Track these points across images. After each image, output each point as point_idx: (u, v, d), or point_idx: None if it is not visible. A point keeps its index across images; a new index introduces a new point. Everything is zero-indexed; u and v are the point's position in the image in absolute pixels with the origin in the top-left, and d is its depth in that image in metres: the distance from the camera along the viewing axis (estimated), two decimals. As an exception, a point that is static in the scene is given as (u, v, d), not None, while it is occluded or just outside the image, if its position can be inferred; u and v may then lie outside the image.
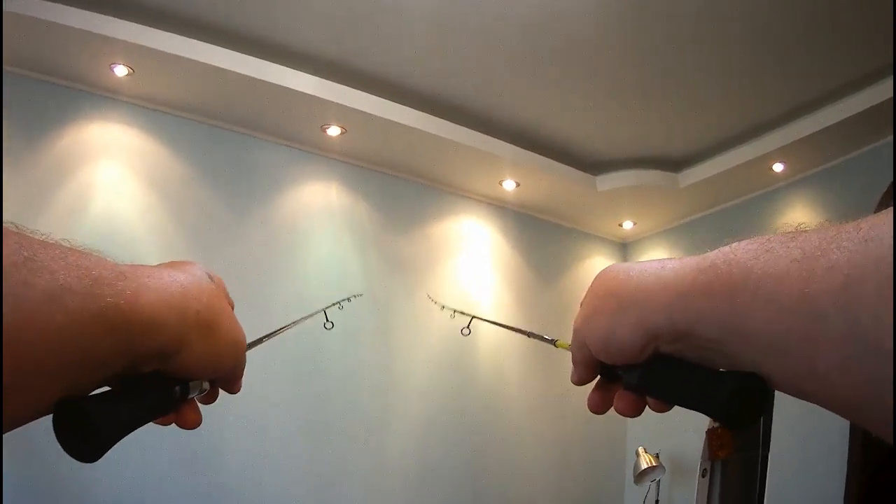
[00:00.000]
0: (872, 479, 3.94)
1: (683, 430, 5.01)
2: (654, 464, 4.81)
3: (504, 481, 5.05)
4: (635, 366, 0.54)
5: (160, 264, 0.55)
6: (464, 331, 2.14)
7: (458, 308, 2.57)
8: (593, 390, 0.63)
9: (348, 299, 2.62)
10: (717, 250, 0.46)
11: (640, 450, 4.94)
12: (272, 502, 4.05)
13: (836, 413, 0.40)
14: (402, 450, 4.61)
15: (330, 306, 2.11)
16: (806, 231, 0.41)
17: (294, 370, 4.20)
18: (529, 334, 1.24)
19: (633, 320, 0.52)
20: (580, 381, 0.64)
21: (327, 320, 2.06)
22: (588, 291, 0.61)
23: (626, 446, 5.77)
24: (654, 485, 5.03)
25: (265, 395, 4.00)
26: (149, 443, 3.56)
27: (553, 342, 1.00)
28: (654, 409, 0.57)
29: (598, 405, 0.63)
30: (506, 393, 5.21)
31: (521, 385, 5.31)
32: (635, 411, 0.58)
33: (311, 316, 1.86)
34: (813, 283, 0.37)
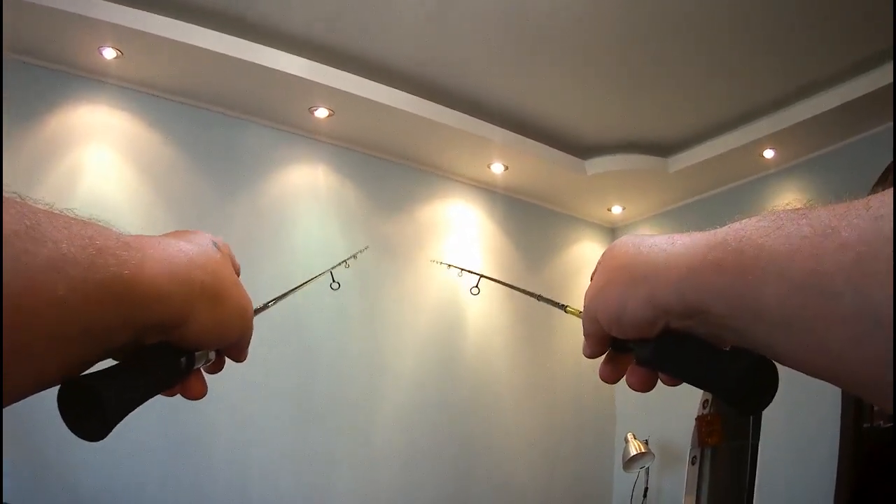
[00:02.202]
0: (864, 468, 3.94)
1: (673, 416, 5.01)
2: (643, 450, 4.81)
3: (492, 467, 5.05)
4: (647, 340, 0.54)
5: (166, 234, 0.54)
6: (473, 290, 2.19)
7: (462, 270, 2.59)
8: (604, 362, 0.63)
9: (354, 256, 2.63)
10: (727, 226, 0.46)
11: (630, 436, 4.93)
12: (259, 486, 4.05)
13: (848, 390, 0.40)
14: (389, 435, 4.61)
15: (336, 265, 2.12)
16: (815, 208, 0.41)
17: (280, 354, 4.20)
18: (539, 297, 1.23)
19: (643, 296, 0.52)
20: (592, 354, 0.63)
21: (333, 280, 2.07)
22: (598, 265, 0.62)
23: (615, 432, 5.77)
24: (643, 471, 5.04)
25: (251, 378, 4.00)
26: (137, 426, 3.56)
27: (563, 307, 0.99)
28: (665, 384, 0.57)
29: (610, 376, 0.63)
30: (494, 378, 5.21)
31: (510, 371, 5.31)
32: (647, 386, 0.58)
33: (318, 277, 1.86)
34: (824, 260, 0.37)
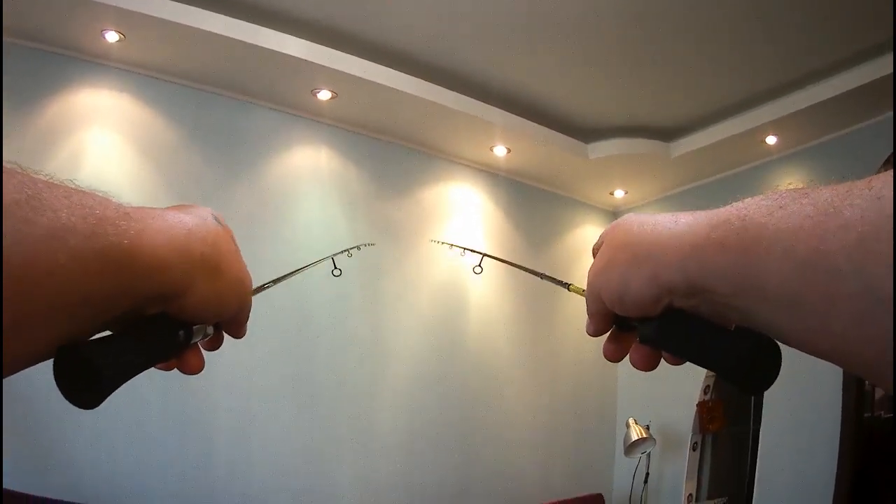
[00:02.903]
0: (866, 452, 3.96)
1: (674, 402, 5.02)
2: (644, 436, 4.82)
3: (493, 452, 5.07)
4: (651, 319, 0.54)
5: (167, 207, 0.54)
6: (476, 269, 2.18)
7: (464, 249, 2.59)
8: (608, 340, 0.63)
9: (357, 247, 2.62)
10: (729, 206, 0.47)
11: (631, 421, 4.94)
12: (260, 469, 4.07)
13: (850, 370, 0.40)
14: (390, 417, 4.63)
15: (339, 253, 2.12)
16: (818, 188, 0.41)
17: (281, 336, 4.20)
18: (542, 276, 1.23)
19: (647, 274, 0.52)
20: (596, 332, 0.64)
21: (335, 267, 2.07)
22: (601, 242, 0.62)
23: (616, 417, 5.79)
24: (644, 457, 5.06)
25: (251, 361, 4.00)
26: (138, 409, 3.58)
27: (567, 286, 0.99)
28: (668, 363, 0.57)
29: (614, 354, 0.63)
30: (496, 363, 5.23)
31: (512, 356, 5.32)
32: (651, 365, 0.58)
33: (319, 262, 1.87)
34: (827, 239, 0.37)
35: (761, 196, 0.45)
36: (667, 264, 0.50)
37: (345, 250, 2.29)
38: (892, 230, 0.34)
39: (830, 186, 0.40)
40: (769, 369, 0.47)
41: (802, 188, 0.43)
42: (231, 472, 3.99)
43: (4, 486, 3.21)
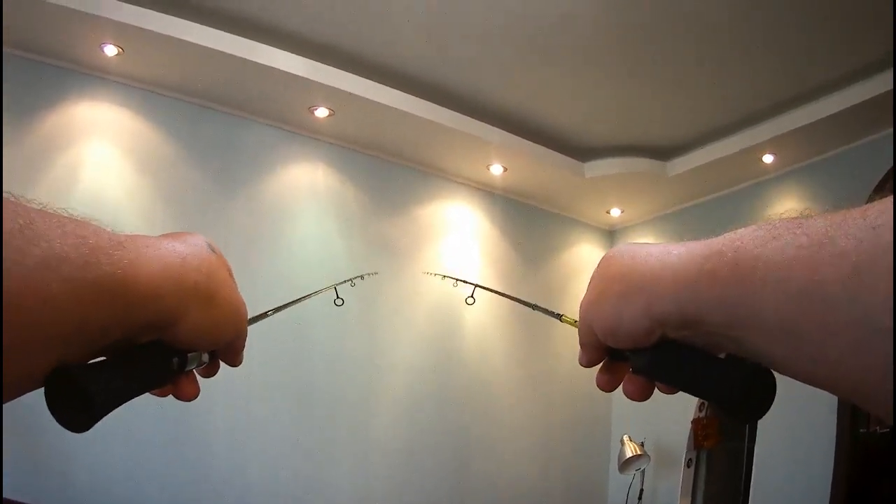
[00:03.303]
0: (861, 470, 3.95)
1: (669, 419, 5.01)
2: (639, 452, 4.81)
3: (488, 468, 5.06)
4: (644, 350, 0.53)
5: (161, 235, 0.54)
6: (468, 300, 2.19)
7: (457, 280, 2.59)
8: (600, 371, 0.63)
9: (361, 277, 2.60)
10: (722, 236, 0.46)
11: (625, 438, 4.93)
12: (258, 480, 4.07)
13: (847, 399, 0.40)
14: (386, 433, 4.62)
15: (342, 283, 2.08)
16: (811, 217, 0.41)
17: (279, 350, 4.19)
18: (534, 307, 1.23)
19: (640, 306, 0.51)
20: (588, 363, 0.62)
21: (338, 297, 2.04)
22: (594, 273, 0.61)
23: (610, 434, 5.77)
24: (638, 473, 5.04)
25: (249, 375, 3.99)
26: (136, 420, 3.57)
27: (559, 316, 0.99)
28: (662, 392, 0.57)
29: (607, 385, 0.62)
30: (491, 379, 5.22)
31: (507, 372, 5.32)
32: (644, 395, 0.57)
33: (321, 291, 1.83)
34: (821, 270, 0.37)
35: (754, 226, 0.44)
36: (660, 296, 0.49)
37: (348, 280, 2.26)
38: (887, 260, 0.33)
39: (825, 215, 0.40)
40: (763, 399, 0.47)
41: (796, 218, 0.42)
42: (228, 481, 3.98)
43: (4, 497, 3.20)
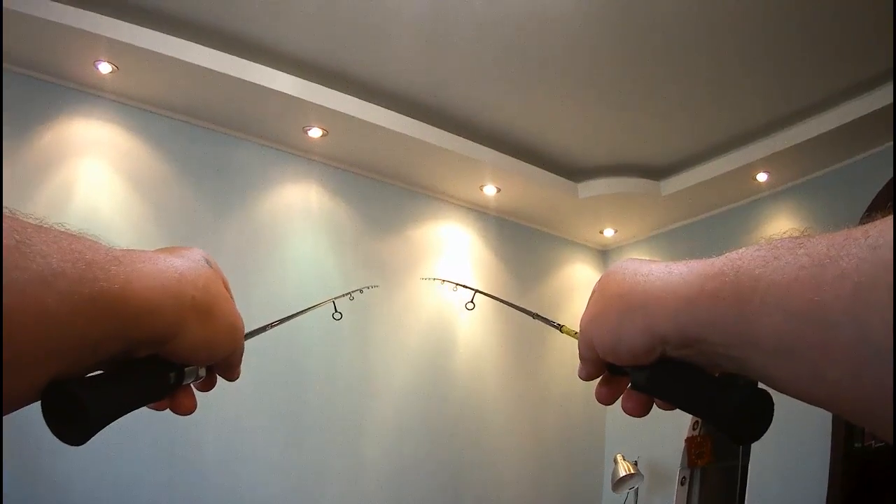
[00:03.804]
0: (855, 486, 3.94)
1: (662, 437, 5.00)
2: (632, 471, 4.78)
3: (480, 486, 5.03)
4: (643, 366, 0.54)
5: (157, 249, 0.55)
6: (468, 305, 2.20)
7: (456, 285, 2.59)
8: (600, 384, 0.63)
9: (360, 290, 2.61)
10: (723, 256, 0.46)
11: (619, 457, 4.91)
12: (250, 498, 4.03)
13: (847, 419, 0.40)
14: (379, 451, 4.59)
15: (340, 296, 2.09)
16: (813, 237, 0.41)
17: (271, 369, 4.17)
18: (535, 315, 1.23)
19: (640, 325, 0.52)
20: (588, 377, 0.63)
21: (336, 311, 2.04)
22: (595, 289, 0.61)
23: (604, 453, 5.75)
24: (632, 492, 5.01)
25: (242, 392, 3.97)
26: (131, 437, 3.56)
27: (559, 327, 0.99)
28: (661, 408, 0.57)
29: (606, 398, 0.63)
30: (484, 398, 5.20)
31: (500, 390, 5.30)
32: (643, 412, 0.58)
33: (320, 305, 1.84)
34: (822, 290, 0.37)
35: (755, 246, 0.45)
36: (660, 315, 0.50)
37: (347, 293, 2.26)
38: (888, 280, 0.33)
39: (826, 235, 0.40)
40: (761, 421, 0.47)
41: (798, 238, 0.42)
42: (221, 499, 3.95)
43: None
